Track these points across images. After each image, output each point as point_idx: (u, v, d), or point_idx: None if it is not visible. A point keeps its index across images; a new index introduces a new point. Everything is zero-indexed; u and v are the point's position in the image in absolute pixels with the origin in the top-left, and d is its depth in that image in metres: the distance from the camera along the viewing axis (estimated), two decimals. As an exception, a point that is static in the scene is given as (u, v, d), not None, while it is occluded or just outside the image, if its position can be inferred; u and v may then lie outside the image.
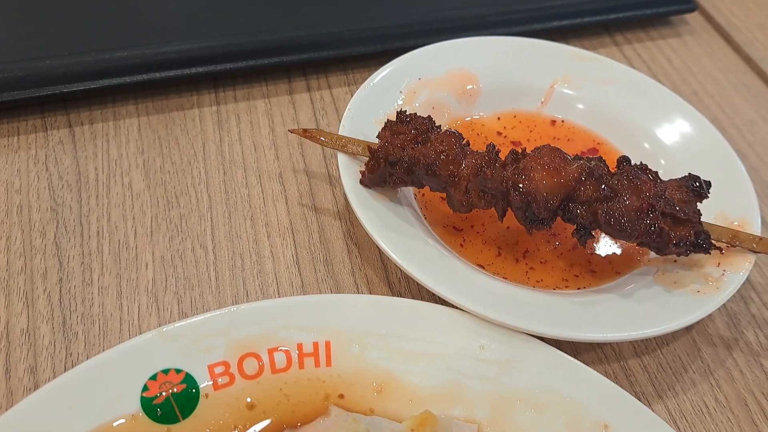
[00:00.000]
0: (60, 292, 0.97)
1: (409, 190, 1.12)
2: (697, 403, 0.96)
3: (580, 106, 1.27)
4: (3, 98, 1.14)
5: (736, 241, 1.00)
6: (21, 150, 1.14)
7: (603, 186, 0.96)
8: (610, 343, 1.01)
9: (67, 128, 1.18)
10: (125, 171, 1.13)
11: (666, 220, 0.95)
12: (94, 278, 0.99)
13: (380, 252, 1.07)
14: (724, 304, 1.03)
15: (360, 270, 1.05)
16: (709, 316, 1.04)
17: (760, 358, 1.01)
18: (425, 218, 1.09)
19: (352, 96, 1.13)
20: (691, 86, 1.44)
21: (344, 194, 1.07)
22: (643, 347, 1.01)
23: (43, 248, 1.01)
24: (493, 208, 1.00)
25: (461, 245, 1.07)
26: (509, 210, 1.01)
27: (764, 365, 1.01)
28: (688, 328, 1.03)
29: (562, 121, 1.27)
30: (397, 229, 0.99)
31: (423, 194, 1.13)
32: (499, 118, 1.27)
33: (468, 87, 1.26)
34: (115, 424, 0.78)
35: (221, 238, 1.06)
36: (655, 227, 0.94)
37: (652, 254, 1.07)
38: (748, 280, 1.10)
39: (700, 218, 0.96)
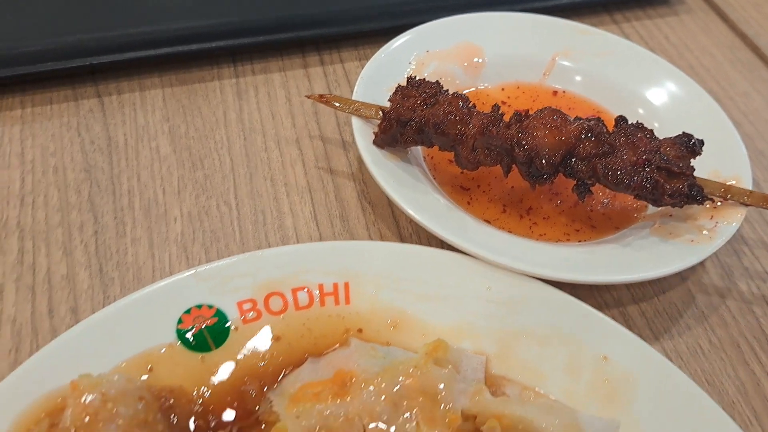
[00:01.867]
0: (96, 243, 1.04)
1: (419, 154, 1.19)
2: (691, 344, 1.02)
3: (580, 77, 1.34)
4: (36, 69, 1.22)
5: (728, 194, 1.06)
6: (54, 118, 1.21)
7: (602, 143, 1.02)
8: (609, 291, 1.07)
9: (96, 98, 1.26)
10: (152, 136, 1.20)
11: (661, 173, 1.02)
12: (127, 231, 1.06)
13: (392, 209, 1.13)
14: (717, 257, 1.10)
15: (374, 225, 1.12)
16: (704, 267, 1.11)
17: (752, 306, 1.08)
18: (434, 179, 1.15)
19: (363, 69, 1.20)
20: (688, 61, 1.50)
21: (358, 157, 1.14)
22: (640, 295, 1.07)
23: (79, 205, 1.09)
24: (499, 165, 1.07)
25: (468, 203, 1.14)
26: (514, 168, 1.08)
27: (756, 312, 1.07)
28: (684, 278, 1.10)
29: (563, 91, 1.34)
30: (408, 185, 1.06)
31: (432, 157, 1.20)
32: (503, 89, 1.34)
33: (474, 59, 1.33)
34: (153, 351, 0.85)
35: (243, 197, 1.13)
36: (650, 180, 1.01)
37: (650, 210, 1.14)
38: (740, 235, 1.17)
39: (693, 172, 1.03)
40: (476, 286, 0.95)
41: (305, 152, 1.21)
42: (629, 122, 1.07)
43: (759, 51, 1.53)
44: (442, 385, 0.81)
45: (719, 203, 1.06)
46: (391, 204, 1.13)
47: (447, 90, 1.11)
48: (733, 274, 1.11)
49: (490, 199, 1.15)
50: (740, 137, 1.17)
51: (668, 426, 0.84)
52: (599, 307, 1.05)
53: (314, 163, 1.19)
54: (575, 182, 1.06)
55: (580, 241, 1.10)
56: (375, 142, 1.10)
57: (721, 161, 1.14)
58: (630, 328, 1.03)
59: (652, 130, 1.04)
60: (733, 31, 1.59)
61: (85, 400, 0.73)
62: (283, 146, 1.21)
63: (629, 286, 1.07)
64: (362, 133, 1.10)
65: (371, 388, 0.80)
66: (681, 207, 1.03)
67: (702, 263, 1.11)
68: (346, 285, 0.94)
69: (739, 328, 1.04)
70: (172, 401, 0.81)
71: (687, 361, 1.00)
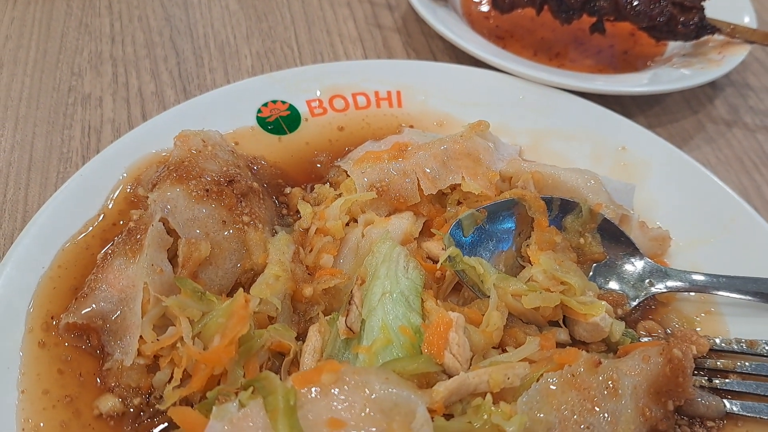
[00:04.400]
0: (179, 70, 1.20)
1: (459, 10, 1.33)
2: (701, 159, 1.16)
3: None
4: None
5: (735, 33, 1.20)
6: (135, -19, 1.38)
7: (623, -18, 1.16)
8: (627, 117, 1.20)
9: (171, -33, 1.42)
10: (221, -4, 1.36)
11: (675, 7, 1.16)
12: (205, 62, 1.22)
13: (434, 55, 1.28)
14: (725, 98, 1.23)
15: (419, 68, 1.27)
16: (713, 104, 1.25)
17: (755, 134, 1.21)
18: (473, 30, 1.30)
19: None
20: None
21: (403, 16, 1.29)
22: (656, 122, 1.21)
23: (162, 43, 1.25)
24: (531, 5, 1.22)
25: (503, 48, 1.28)
26: (541, 18, 1.23)
27: (759, 138, 1.20)
28: (695, 111, 1.23)
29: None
30: (452, 25, 1.21)
31: (470, 14, 1.34)
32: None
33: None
34: (239, 131, 1.01)
35: (303, 42, 1.29)
36: (665, 12, 1.15)
37: (665, 54, 1.28)
38: (747, 83, 1.30)
39: (703, 9, 1.17)
40: (511, 96, 1.10)
41: (356, 12, 1.36)
42: (647, -31, 1.20)
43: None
44: (483, 151, 0.95)
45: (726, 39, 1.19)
46: (433, 50, 1.28)
47: (485, -55, 1.25)
48: (739, 110, 1.25)
49: (522, 46, 1.29)
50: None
51: (676, 195, 0.98)
52: (619, 131, 1.18)
53: (364, 20, 1.34)
54: (595, 20, 1.20)
55: (603, 77, 1.24)
56: (422, -10, 1.24)
57: (729, 12, 1.27)
58: (646, 145, 1.17)
59: (668, -26, 1.18)
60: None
61: (189, 143, 0.89)
62: (336, 7, 1.37)
63: (646, 115, 1.21)
64: (411, -15, 1.25)
65: (424, 152, 0.94)
66: (693, 39, 1.17)
67: (711, 101, 1.25)
68: (398, 93, 1.09)
69: (743, 148, 1.18)
70: (255, 163, 0.97)
71: (696, 170, 1.13)
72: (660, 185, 1.00)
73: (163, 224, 0.80)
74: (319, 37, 1.30)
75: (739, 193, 1.08)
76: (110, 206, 0.88)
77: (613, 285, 0.89)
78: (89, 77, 1.17)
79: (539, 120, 1.08)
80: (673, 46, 1.28)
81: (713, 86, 1.25)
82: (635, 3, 1.15)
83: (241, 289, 0.74)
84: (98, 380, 0.73)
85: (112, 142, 1.04)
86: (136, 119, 1.11)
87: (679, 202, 0.98)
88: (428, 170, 0.92)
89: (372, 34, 1.32)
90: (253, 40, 1.27)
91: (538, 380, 0.70)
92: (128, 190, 0.90)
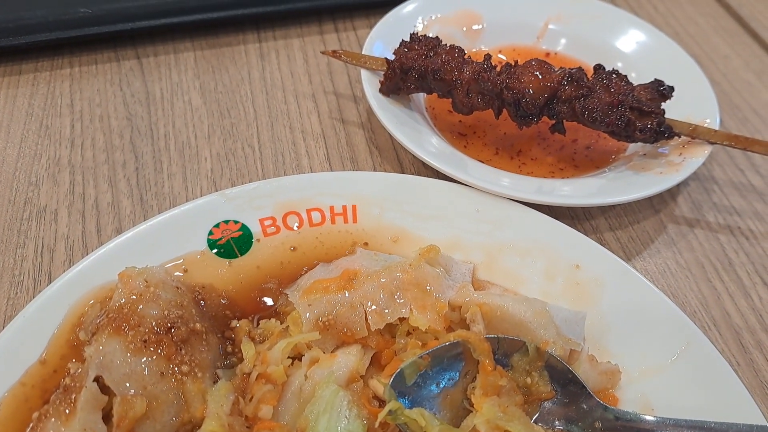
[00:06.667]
0: (137, 177, 1.20)
1: (421, 104, 1.33)
2: (660, 265, 1.15)
3: (569, 39, 1.47)
4: (83, 32, 1.38)
5: (695, 134, 1.19)
6: (99, 75, 1.38)
7: (581, 87, 1.16)
8: (588, 221, 1.20)
9: (135, 59, 1.42)
10: (185, 91, 1.36)
11: (633, 112, 1.15)
12: (164, 168, 1.22)
13: (397, 152, 1.28)
14: (689, 194, 1.23)
15: (380, 166, 1.26)
16: (676, 202, 1.24)
17: (717, 234, 1.20)
18: (435, 126, 1.30)
19: (372, 29, 1.34)
20: (674, 28, 1.63)
21: (367, 109, 1.29)
22: (616, 224, 1.20)
23: (122, 146, 1.24)
24: (491, 108, 1.21)
25: (465, 146, 1.28)
26: (505, 114, 1.22)
27: (721, 239, 1.20)
28: (656, 210, 1.23)
29: (555, 53, 1.48)
30: (411, 127, 1.20)
31: (433, 108, 1.34)
32: (500, 51, 1.48)
33: (474, 26, 1.47)
34: (188, 256, 1.00)
35: (265, 141, 1.28)
36: (623, 118, 1.14)
37: (627, 151, 1.27)
38: (712, 176, 1.29)
39: (663, 113, 1.16)
40: (467, 208, 1.09)
41: (320, 105, 1.36)
42: (606, 70, 1.20)
43: (742, 20, 1.65)
44: (432, 280, 0.94)
45: (687, 141, 1.19)
46: (395, 148, 1.28)
47: (446, 44, 1.25)
48: (702, 207, 1.24)
49: (484, 143, 1.29)
50: (712, 88, 1.30)
51: (629, 319, 0.97)
52: (579, 234, 1.17)
53: (328, 114, 1.34)
54: (554, 121, 1.19)
55: (563, 178, 1.23)
56: (381, 90, 1.24)
57: (693, 107, 1.26)
58: (606, 250, 1.16)
59: (626, 76, 1.17)
60: (718, 2, 1.71)
61: (131, 285, 0.88)
62: (301, 100, 1.36)
63: (606, 216, 1.20)
64: (370, 83, 1.25)
65: (372, 281, 0.94)
66: (652, 143, 1.16)
67: (674, 198, 1.24)
68: (354, 207, 1.08)
69: (704, 252, 1.17)
70: (203, 294, 0.96)
71: (656, 279, 1.13)
72: (612, 308, 0.99)
73: (99, 380, 0.79)
74: (282, 134, 1.29)
75: (698, 302, 1.08)
76: (51, 352, 0.87)
77: (561, 425, 0.88)
78: (46, 187, 1.16)
79: (494, 234, 1.07)
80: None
81: (677, 182, 1.24)
82: (592, 109, 1.14)
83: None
84: None
85: (64, 262, 1.04)
86: (91, 234, 1.10)
87: (632, 328, 0.97)
88: (375, 306, 0.91)
89: (335, 129, 1.31)
90: (214, 140, 1.27)
91: None
92: (70, 336, 0.89)
